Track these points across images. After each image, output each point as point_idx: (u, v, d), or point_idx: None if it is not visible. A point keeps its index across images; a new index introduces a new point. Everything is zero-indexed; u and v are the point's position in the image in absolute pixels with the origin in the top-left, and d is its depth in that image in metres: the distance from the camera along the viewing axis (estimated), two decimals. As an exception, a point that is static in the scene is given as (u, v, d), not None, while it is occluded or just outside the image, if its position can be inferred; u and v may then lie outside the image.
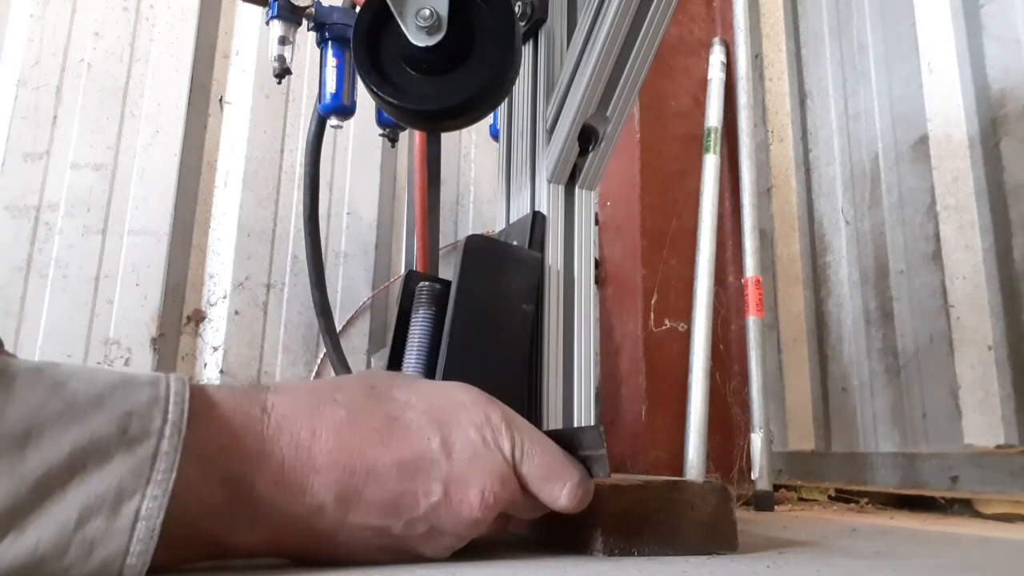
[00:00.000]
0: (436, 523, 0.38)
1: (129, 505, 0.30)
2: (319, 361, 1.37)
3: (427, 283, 0.55)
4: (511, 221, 0.65)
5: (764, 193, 1.28)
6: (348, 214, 1.47)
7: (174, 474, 0.31)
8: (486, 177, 1.61)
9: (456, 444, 0.38)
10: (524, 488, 0.40)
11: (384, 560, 0.39)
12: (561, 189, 0.61)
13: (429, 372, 0.54)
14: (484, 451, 0.39)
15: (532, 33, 0.68)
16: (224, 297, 1.35)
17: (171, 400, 0.33)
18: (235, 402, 0.36)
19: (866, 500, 0.99)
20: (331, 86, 1.06)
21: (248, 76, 1.44)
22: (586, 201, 0.62)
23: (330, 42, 1.07)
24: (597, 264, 1.37)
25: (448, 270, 0.55)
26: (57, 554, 0.29)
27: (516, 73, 0.57)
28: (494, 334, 0.54)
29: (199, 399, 0.34)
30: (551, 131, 0.61)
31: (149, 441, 0.31)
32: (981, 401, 0.84)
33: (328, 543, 0.37)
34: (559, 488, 0.40)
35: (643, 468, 1.15)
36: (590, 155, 0.61)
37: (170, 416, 0.32)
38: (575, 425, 0.58)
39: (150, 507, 0.30)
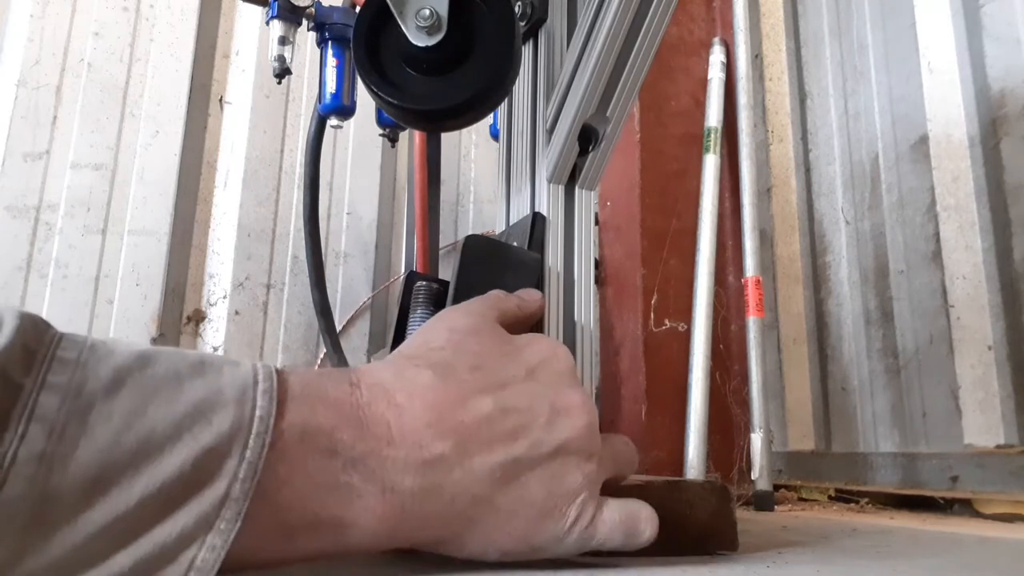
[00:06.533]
0: (560, 439, 0.38)
1: (186, 554, 0.28)
2: (319, 361, 1.37)
3: (424, 283, 0.55)
4: (511, 221, 0.64)
5: (764, 193, 1.28)
6: (348, 214, 1.47)
7: (239, 524, 0.29)
8: (486, 177, 1.61)
9: (536, 369, 0.40)
10: None
11: (542, 504, 0.37)
12: (561, 189, 0.61)
13: None
14: (556, 363, 0.41)
15: (532, 33, 0.68)
16: (224, 297, 1.35)
17: (253, 430, 0.30)
18: (322, 382, 0.35)
19: (866, 500, 0.99)
20: (331, 86, 1.06)
21: (248, 76, 1.44)
22: (586, 201, 0.62)
23: (330, 42, 1.07)
24: (597, 264, 1.37)
25: (448, 270, 0.55)
26: None
27: (516, 73, 0.57)
28: (494, 334, 0.54)
29: (281, 386, 0.33)
30: (551, 131, 0.61)
31: (220, 483, 0.29)
32: (981, 401, 0.84)
33: (460, 499, 0.35)
34: None
35: (643, 468, 1.15)
36: (590, 155, 0.60)
37: (248, 454, 0.30)
38: None
39: (206, 558, 0.28)
